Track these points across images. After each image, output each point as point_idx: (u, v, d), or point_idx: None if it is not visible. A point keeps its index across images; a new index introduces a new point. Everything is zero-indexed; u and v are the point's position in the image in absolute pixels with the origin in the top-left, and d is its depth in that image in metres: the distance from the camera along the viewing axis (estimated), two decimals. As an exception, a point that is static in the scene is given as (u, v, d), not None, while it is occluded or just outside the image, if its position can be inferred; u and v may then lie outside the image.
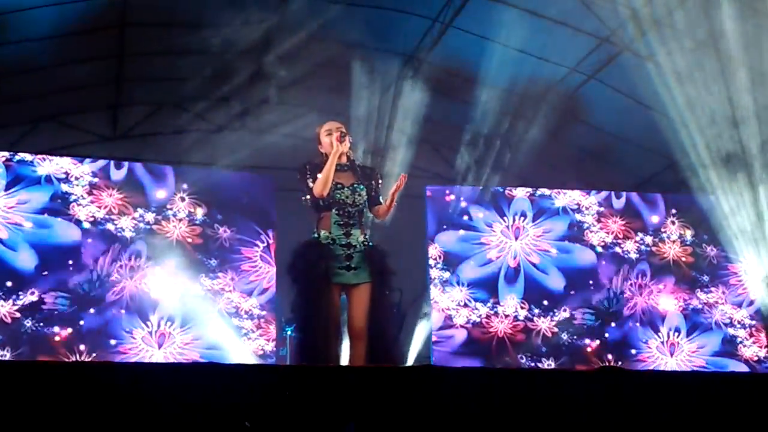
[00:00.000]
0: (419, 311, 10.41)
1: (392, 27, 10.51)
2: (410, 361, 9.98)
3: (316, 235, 5.15)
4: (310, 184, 5.16)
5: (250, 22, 10.02)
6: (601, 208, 10.99)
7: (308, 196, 5.21)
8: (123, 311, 9.37)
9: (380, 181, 5.43)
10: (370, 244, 5.22)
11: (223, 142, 12.05)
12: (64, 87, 11.06)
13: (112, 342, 9.24)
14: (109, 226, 9.59)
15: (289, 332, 8.89)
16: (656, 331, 10.58)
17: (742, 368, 10.38)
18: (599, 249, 10.80)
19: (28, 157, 9.59)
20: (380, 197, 5.39)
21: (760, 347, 10.57)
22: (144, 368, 4.31)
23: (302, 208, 5.32)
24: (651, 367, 10.29)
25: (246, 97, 12.14)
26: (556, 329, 10.31)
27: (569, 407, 3.55)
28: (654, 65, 10.06)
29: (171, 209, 9.93)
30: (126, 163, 9.96)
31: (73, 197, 9.51)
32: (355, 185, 5.22)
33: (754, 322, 10.65)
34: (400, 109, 11.70)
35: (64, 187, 9.51)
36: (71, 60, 10.61)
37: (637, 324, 10.56)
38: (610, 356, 10.36)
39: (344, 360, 5.12)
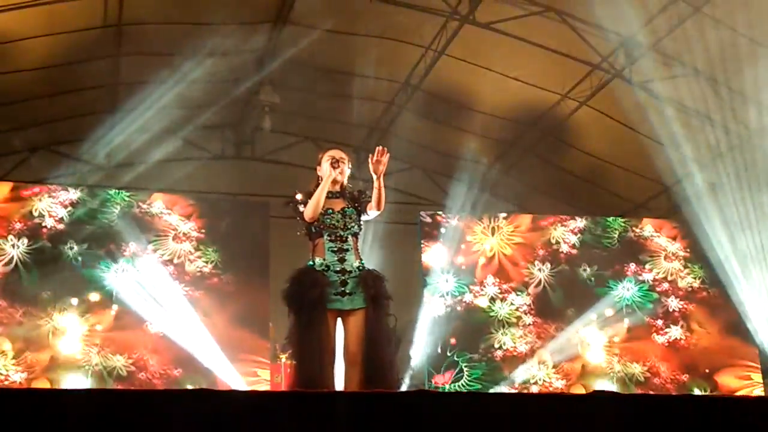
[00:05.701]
0: (414, 336, 10.40)
1: (386, 54, 10.60)
2: (405, 387, 9.96)
3: (311, 263, 5.16)
4: (302, 209, 5.20)
5: (244, 49, 10.10)
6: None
7: (303, 229, 5.24)
8: None
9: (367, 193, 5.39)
10: (366, 268, 5.21)
11: (218, 170, 12.09)
12: (58, 116, 11.12)
13: None
14: None
15: (283, 359, 8.88)
16: None
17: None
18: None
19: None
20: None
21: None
22: (141, 395, 4.30)
23: (297, 237, 5.34)
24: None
25: (240, 125, 12.21)
26: None
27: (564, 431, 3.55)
28: (645, 91, 10.15)
29: None
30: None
31: None
32: (345, 209, 5.26)
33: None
34: (394, 135, 11.76)
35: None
36: (66, 89, 10.67)
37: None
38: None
39: (339, 386, 5.11)
